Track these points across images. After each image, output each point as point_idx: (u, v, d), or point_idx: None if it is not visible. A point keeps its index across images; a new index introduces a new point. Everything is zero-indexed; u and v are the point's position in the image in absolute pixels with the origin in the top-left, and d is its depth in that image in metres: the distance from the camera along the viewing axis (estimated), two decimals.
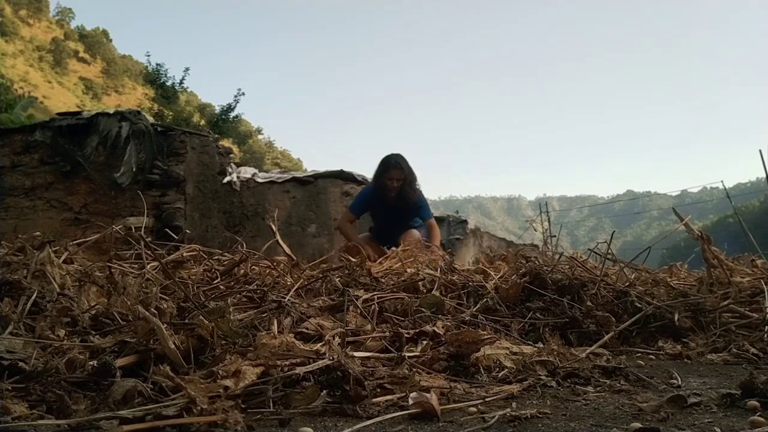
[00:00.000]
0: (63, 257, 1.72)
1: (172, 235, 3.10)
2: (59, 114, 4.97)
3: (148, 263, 1.82)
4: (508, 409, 0.95)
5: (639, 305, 1.70)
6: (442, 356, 1.26)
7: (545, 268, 1.90)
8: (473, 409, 0.97)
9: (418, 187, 4.18)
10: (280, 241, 2.31)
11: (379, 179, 4.10)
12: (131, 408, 0.84)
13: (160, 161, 4.50)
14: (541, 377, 1.17)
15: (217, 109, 22.04)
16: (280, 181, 5.20)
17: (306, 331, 1.34)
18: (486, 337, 1.30)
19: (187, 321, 1.19)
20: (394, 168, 4.08)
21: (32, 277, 1.47)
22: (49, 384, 0.94)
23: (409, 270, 2.08)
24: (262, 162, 35.74)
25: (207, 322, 1.13)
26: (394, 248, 3.47)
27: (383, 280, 1.97)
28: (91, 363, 1.00)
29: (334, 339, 1.27)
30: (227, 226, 4.72)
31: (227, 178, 4.85)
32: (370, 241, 4.18)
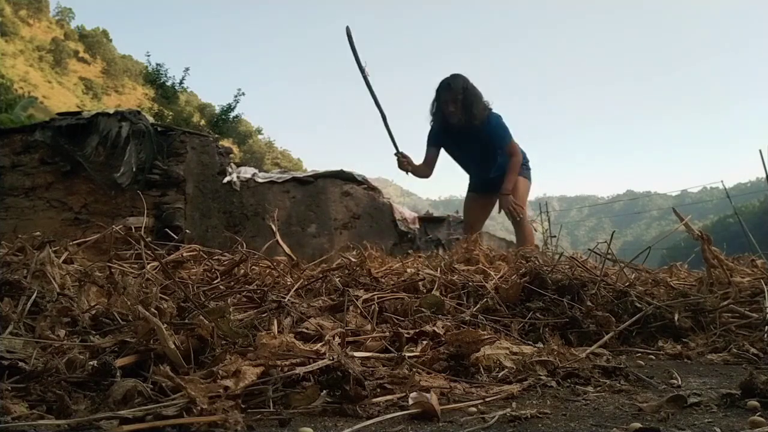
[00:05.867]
0: (63, 257, 1.72)
1: (172, 235, 3.10)
2: (59, 114, 4.97)
3: (148, 263, 1.82)
4: (508, 409, 0.95)
5: (639, 305, 1.70)
6: (442, 356, 1.26)
7: (545, 268, 1.90)
8: (473, 409, 0.97)
9: (484, 107, 3.81)
10: (280, 241, 2.31)
11: (436, 105, 3.89)
12: (131, 408, 0.84)
13: (160, 161, 4.50)
14: (541, 377, 1.17)
15: (217, 109, 22.09)
16: (280, 181, 5.20)
17: (306, 331, 1.34)
18: (486, 337, 1.30)
19: (187, 321, 1.19)
20: (444, 89, 3.81)
21: (32, 277, 1.47)
22: (49, 384, 0.93)
23: (409, 270, 2.08)
24: (262, 162, 35.75)
25: (207, 322, 1.13)
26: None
27: (383, 280, 1.97)
28: (91, 363, 1.00)
29: (334, 339, 1.27)
30: (227, 226, 4.72)
31: (227, 178, 4.86)
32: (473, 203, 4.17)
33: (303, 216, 5.26)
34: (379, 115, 3.82)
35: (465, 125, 3.80)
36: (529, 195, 4.34)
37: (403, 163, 3.94)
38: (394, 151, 3.95)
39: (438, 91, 3.86)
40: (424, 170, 4.06)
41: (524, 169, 4.04)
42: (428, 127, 4.08)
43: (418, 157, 4.03)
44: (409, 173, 4.00)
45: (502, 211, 3.94)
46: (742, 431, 0.82)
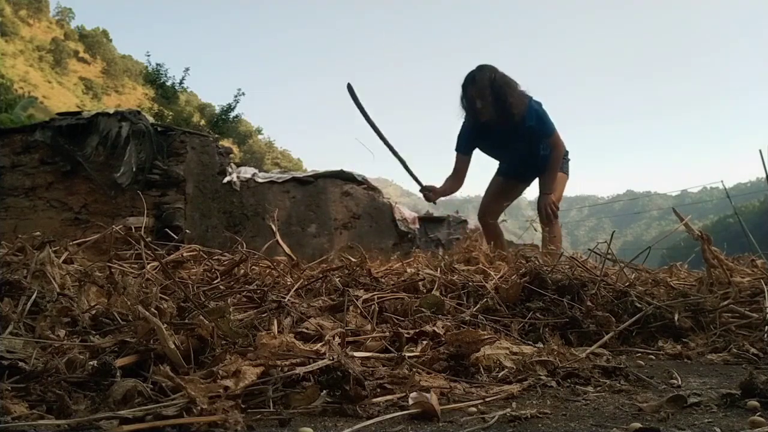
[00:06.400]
0: (63, 257, 1.72)
1: (172, 235, 3.10)
2: (59, 114, 4.97)
3: (148, 263, 1.82)
4: (508, 409, 0.95)
5: (639, 305, 1.70)
6: (442, 356, 1.26)
7: (545, 268, 1.90)
8: (473, 409, 0.97)
9: (520, 98, 3.44)
10: (280, 241, 2.31)
11: (463, 105, 3.57)
12: (131, 408, 0.84)
13: (160, 161, 4.50)
14: (541, 377, 1.17)
15: (217, 109, 22.12)
16: (280, 181, 5.21)
17: (306, 331, 1.34)
18: (486, 337, 1.30)
19: (187, 321, 1.19)
20: (469, 84, 3.47)
21: (32, 277, 1.47)
22: (49, 384, 0.93)
23: (409, 270, 2.08)
24: (262, 162, 35.77)
25: (207, 322, 1.13)
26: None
27: (383, 280, 1.97)
28: (91, 363, 1.00)
29: (334, 339, 1.27)
30: (227, 226, 4.72)
31: (227, 178, 4.86)
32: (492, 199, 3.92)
33: (303, 216, 5.26)
34: (398, 161, 3.73)
35: (500, 122, 3.47)
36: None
37: (430, 196, 3.78)
38: (419, 188, 3.82)
39: (463, 86, 3.54)
40: (454, 186, 3.82)
41: (563, 162, 3.76)
42: (455, 123, 3.75)
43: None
44: (437, 200, 3.86)
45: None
46: (742, 431, 0.82)
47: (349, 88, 3.61)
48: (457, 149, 3.80)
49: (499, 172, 4.06)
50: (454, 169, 3.82)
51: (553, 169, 3.65)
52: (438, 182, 3.87)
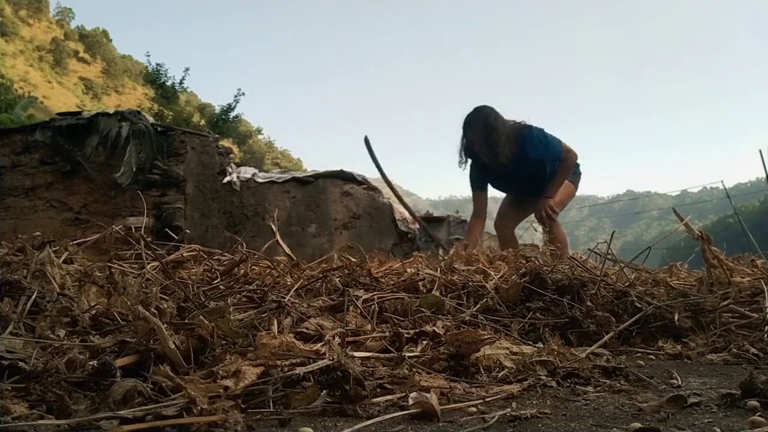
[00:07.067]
0: (63, 257, 1.72)
1: (172, 235, 3.10)
2: (59, 114, 4.97)
3: (148, 263, 1.82)
4: (508, 409, 0.95)
5: (639, 305, 1.70)
6: (442, 356, 1.26)
7: (545, 268, 1.90)
8: (473, 409, 0.97)
9: (507, 141, 3.51)
10: (280, 241, 2.31)
11: (463, 147, 3.69)
12: (131, 408, 0.84)
13: (160, 161, 4.50)
14: (541, 377, 1.17)
15: (217, 109, 22.12)
16: (280, 181, 5.21)
17: (306, 331, 1.34)
18: (486, 337, 1.30)
19: (187, 321, 1.19)
20: (466, 128, 3.63)
21: (32, 277, 1.47)
22: (49, 384, 0.93)
23: (409, 270, 2.08)
24: (262, 162, 35.79)
25: (207, 322, 1.13)
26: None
27: (383, 280, 1.97)
28: (91, 363, 1.00)
29: (334, 339, 1.27)
30: (227, 226, 4.72)
31: (227, 178, 4.86)
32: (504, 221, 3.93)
33: (303, 216, 5.25)
34: (403, 206, 3.86)
35: (502, 161, 3.58)
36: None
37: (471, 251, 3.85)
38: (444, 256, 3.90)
39: (462, 129, 3.70)
40: (480, 224, 3.87)
41: (574, 174, 3.80)
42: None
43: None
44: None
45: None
46: (742, 431, 0.82)
47: (366, 141, 3.90)
48: (472, 188, 3.91)
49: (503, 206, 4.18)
50: (475, 208, 3.93)
51: (560, 175, 3.66)
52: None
